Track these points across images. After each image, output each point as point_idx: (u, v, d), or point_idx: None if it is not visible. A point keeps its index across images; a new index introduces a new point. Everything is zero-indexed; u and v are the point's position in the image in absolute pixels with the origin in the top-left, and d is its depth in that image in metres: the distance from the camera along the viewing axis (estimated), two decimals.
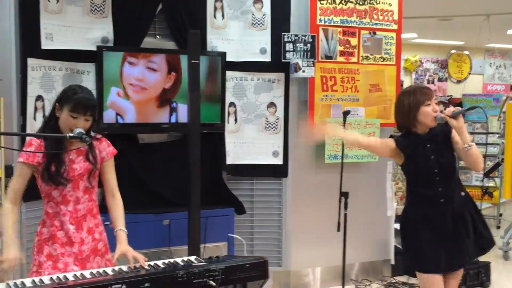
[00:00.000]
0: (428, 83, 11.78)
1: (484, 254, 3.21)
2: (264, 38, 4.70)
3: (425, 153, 3.02)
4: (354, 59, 4.89)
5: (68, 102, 2.60)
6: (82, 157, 2.69)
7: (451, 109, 2.96)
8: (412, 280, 4.92)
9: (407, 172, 3.14)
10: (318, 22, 4.74)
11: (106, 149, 2.78)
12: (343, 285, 4.44)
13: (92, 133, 2.73)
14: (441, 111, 3.01)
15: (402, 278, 5.10)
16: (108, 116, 4.21)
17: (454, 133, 3.05)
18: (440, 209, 3.02)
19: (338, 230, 4.27)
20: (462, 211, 3.06)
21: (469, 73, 12.15)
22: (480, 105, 4.96)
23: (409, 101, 3.01)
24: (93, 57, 4.16)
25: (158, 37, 4.52)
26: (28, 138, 3.06)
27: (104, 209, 2.88)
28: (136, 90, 4.27)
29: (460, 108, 2.96)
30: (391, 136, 3.08)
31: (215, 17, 4.59)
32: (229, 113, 4.68)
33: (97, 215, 2.78)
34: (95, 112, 2.68)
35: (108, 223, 2.81)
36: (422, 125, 3.03)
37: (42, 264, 2.63)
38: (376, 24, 4.95)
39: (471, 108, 3.13)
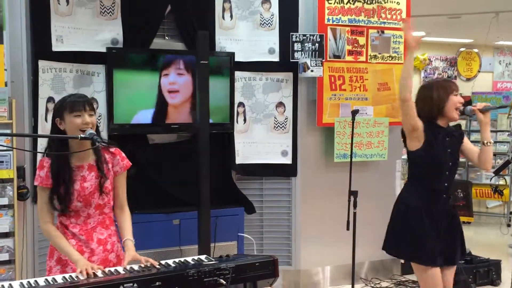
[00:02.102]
0: None
1: (463, 258, 3.28)
2: (272, 38, 4.71)
3: (444, 144, 3.08)
4: (363, 58, 4.89)
5: (65, 108, 2.59)
6: (94, 173, 2.65)
7: (482, 104, 3.13)
8: None
9: (420, 159, 3.09)
10: (326, 22, 4.75)
11: (120, 163, 2.73)
12: (352, 284, 4.45)
13: (104, 143, 2.57)
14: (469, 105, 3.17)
15: (412, 277, 5.09)
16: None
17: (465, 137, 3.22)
18: (441, 204, 3.11)
19: (348, 229, 4.28)
20: (455, 210, 3.22)
21: (479, 71, 12.07)
22: (509, 104, 5.09)
23: (438, 93, 3.06)
24: (103, 58, 4.21)
25: (167, 38, 4.55)
26: (39, 157, 3.03)
27: None
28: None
29: (490, 104, 3.15)
30: None
31: (223, 17, 4.61)
32: (238, 113, 4.70)
33: (110, 225, 2.74)
34: (94, 108, 2.66)
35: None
36: (446, 117, 3.09)
37: (52, 269, 2.66)
38: (384, 23, 4.95)
39: (502, 107, 3.24)
